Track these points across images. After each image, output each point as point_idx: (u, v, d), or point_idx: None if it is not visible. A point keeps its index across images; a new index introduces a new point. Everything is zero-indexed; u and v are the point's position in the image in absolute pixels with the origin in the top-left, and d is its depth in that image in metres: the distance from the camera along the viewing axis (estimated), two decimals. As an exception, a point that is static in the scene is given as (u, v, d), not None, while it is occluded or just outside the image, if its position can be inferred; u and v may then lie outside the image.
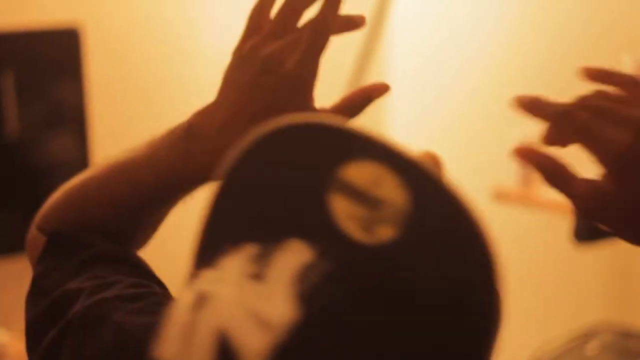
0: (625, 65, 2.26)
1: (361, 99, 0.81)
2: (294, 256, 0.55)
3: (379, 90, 0.80)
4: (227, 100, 0.83)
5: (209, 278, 0.55)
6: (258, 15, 0.81)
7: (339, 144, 0.59)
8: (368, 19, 0.83)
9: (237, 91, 0.82)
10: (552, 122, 0.76)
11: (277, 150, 0.60)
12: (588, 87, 0.73)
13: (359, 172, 0.57)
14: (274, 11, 0.83)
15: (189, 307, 0.54)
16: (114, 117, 2.29)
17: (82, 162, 2.25)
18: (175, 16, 2.33)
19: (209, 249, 0.59)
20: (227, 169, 0.60)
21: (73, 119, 2.26)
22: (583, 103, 0.74)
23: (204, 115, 0.84)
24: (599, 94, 0.76)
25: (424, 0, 2.55)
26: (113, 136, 2.27)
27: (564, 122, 0.76)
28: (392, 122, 2.55)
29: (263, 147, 0.60)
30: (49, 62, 2.24)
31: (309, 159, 0.59)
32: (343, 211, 0.56)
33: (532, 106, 0.80)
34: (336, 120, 0.61)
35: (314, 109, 0.82)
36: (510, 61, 2.46)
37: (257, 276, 0.54)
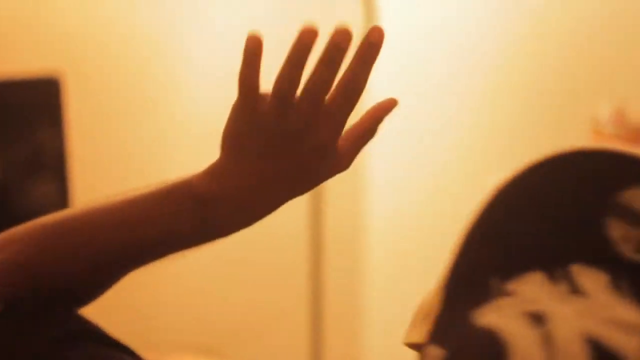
0: (603, 110, 2.26)
1: (372, 122, 0.78)
2: (592, 274, 0.58)
3: (387, 108, 0.77)
4: (244, 164, 0.77)
5: (511, 303, 0.57)
6: (254, 73, 0.76)
7: (620, 168, 0.62)
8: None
9: (259, 157, 0.77)
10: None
11: (552, 177, 0.63)
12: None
13: (637, 196, 0.60)
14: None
15: (524, 325, 0.56)
16: (94, 163, 2.30)
17: (62, 208, 2.26)
18: (153, 64, 2.34)
19: (468, 283, 0.61)
20: (489, 201, 0.62)
21: (53, 166, 2.28)
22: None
23: (213, 180, 0.80)
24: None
25: (399, 66, 2.55)
26: (93, 183, 2.28)
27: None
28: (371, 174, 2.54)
29: (536, 175, 0.62)
30: (30, 110, 2.26)
31: (589, 184, 0.62)
32: (619, 234, 0.59)
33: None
34: (613, 146, 0.63)
35: (341, 158, 0.81)
36: (488, 111, 2.44)
37: (574, 292, 0.57)
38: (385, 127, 2.57)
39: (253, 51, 0.72)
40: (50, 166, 2.35)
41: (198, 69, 2.40)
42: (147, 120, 2.35)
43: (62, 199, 2.35)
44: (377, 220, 2.57)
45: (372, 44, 0.74)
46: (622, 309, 0.56)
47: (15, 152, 2.28)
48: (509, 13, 2.41)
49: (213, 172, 0.80)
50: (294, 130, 0.75)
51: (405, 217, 2.55)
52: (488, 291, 0.58)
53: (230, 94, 2.46)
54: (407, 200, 2.55)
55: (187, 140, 2.41)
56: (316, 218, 2.42)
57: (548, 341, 0.55)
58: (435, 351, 0.58)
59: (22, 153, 2.30)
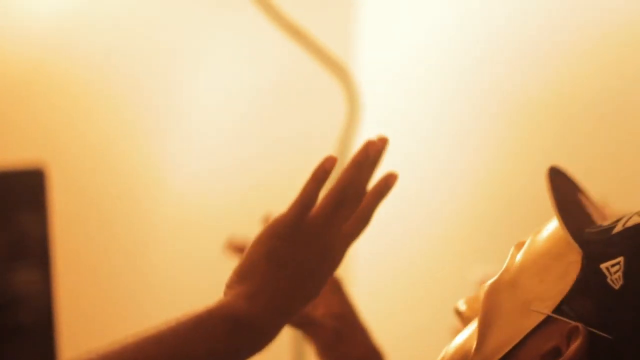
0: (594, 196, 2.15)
1: (375, 198, 0.87)
2: None
3: (385, 189, 0.85)
4: (279, 282, 0.83)
5: None
6: (318, 191, 0.85)
7: None
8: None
9: (294, 268, 0.84)
10: None
11: None
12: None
13: None
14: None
15: None
16: (78, 253, 2.35)
17: (46, 297, 2.31)
18: (137, 156, 2.38)
19: None
20: None
21: (38, 255, 2.33)
22: None
23: (251, 303, 0.86)
24: None
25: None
26: (77, 273, 2.33)
27: None
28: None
29: None
30: (15, 201, 2.33)
31: None
32: None
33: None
34: None
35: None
36: (472, 200, 2.37)
37: None
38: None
39: (326, 171, 0.81)
40: (34, 256, 2.41)
41: (183, 161, 2.42)
42: (131, 209, 2.38)
43: (46, 289, 2.40)
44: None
45: (388, 186, 0.84)
46: None
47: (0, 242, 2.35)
48: (493, 101, 2.34)
49: (248, 294, 0.86)
50: (324, 243, 0.82)
51: (388, 308, 2.49)
52: None
53: (212, 191, 2.47)
54: (390, 290, 2.49)
55: (173, 230, 2.42)
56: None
57: None
58: None
59: (6, 243, 2.38)
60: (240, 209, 2.48)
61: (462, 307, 1.01)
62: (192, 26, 2.42)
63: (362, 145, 0.90)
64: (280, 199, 2.46)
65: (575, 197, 1.01)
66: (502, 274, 0.94)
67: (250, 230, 2.44)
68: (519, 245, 1.00)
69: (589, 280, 0.91)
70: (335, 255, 0.89)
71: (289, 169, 2.51)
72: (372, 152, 0.89)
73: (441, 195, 2.40)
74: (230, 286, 0.86)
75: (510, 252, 0.98)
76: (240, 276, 0.88)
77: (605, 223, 0.98)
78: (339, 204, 0.90)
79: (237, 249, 1.17)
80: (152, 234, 2.37)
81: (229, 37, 2.45)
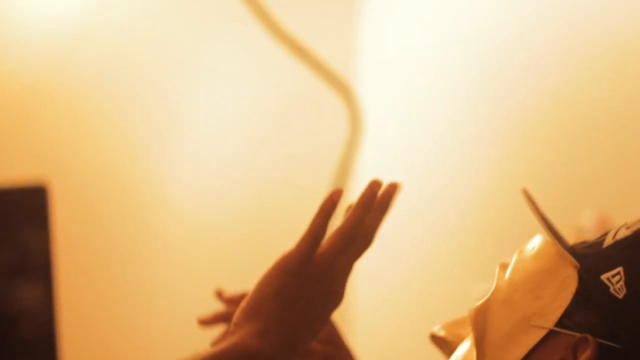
0: (587, 219, 2.16)
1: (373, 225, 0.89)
2: None
3: (384, 207, 0.86)
4: (289, 316, 0.86)
5: None
6: (326, 225, 0.87)
7: None
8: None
9: (303, 305, 0.85)
10: None
11: None
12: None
13: None
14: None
15: None
16: (80, 270, 2.36)
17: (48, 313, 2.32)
18: (140, 172, 2.39)
19: None
20: None
21: (40, 272, 2.34)
22: None
23: (259, 338, 0.88)
24: None
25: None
26: (79, 290, 2.33)
27: None
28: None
29: None
30: (17, 218, 2.34)
31: None
32: None
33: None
34: None
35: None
36: (473, 218, 2.37)
37: None
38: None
39: (334, 204, 0.83)
40: (37, 272, 2.42)
41: (186, 179, 2.43)
42: (134, 227, 2.38)
43: (48, 305, 2.41)
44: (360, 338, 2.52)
45: (386, 202, 0.85)
46: None
47: (1, 259, 2.36)
48: (492, 121, 2.35)
49: (259, 332, 0.88)
50: (330, 278, 0.83)
51: (389, 326, 2.48)
52: None
53: (215, 206, 2.47)
54: (391, 308, 2.48)
55: (176, 247, 2.43)
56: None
57: None
58: None
59: (8, 260, 2.38)
60: (243, 226, 2.49)
61: (441, 332, 1.01)
62: (195, 44, 2.42)
63: (368, 185, 0.91)
64: (282, 216, 2.48)
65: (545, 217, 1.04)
66: (492, 294, 0.95)
67: (253, 247, 2.46)
68: (504, 266, 1.01)
69: (590, 292, 0.92)
70: (340, 288, 0.92)
71: (292, 185, 2.51)
72: (382, 195, 0.91)
73: (442, 212, 2.40)
74: (239, 324, 0.87)
75: (497, 273, 0.99)
76: (250, 314, 0.90)
77: (590, 239, 1.00)
78: (347, 244, 0.91)
79: (227, 300, 1.17)
80: (155, 251, 2.37)
81: (233, 55, 2.46)
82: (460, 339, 0.97)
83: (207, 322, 1.08)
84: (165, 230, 2.39)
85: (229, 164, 2.46)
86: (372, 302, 2.54)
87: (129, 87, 2.37)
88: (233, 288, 2.45)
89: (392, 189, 0.90)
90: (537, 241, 0.98)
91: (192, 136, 2.42)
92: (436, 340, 1.01)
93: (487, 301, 0.95)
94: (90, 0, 2.30)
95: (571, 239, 2.19)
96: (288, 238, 2.59)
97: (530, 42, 2.27)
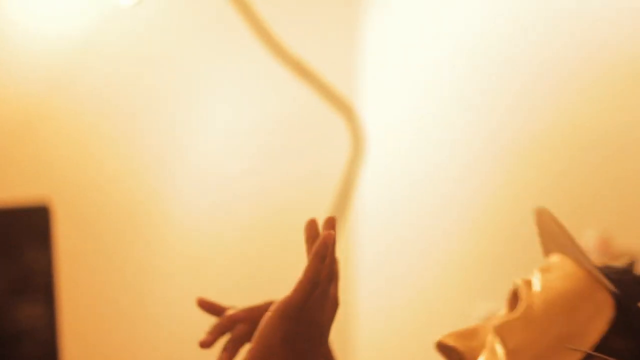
0: (589, 239, 2.16)
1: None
2: None
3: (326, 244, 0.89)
4: (295, 358, 0.91)
5: None
6: (321, 266, 0.89)
7: None
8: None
9: (304, 345, 0.91)
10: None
11: None
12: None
13: None
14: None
15: None
16: (83, 289, 2.36)
17: (50, 331, 2.32)
18: (142, 191, 2.39)
19: None
20: None
21: (43, 291, 2.34)
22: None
23: None
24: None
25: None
26: (81, 309, 2.33)
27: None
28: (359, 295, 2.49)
29: None
30: (20, 238, 2.34)
31: None
32: None
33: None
34: None
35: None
36: (474, 237, 2.37)
37: None
38: (371, 262, 2.52)
39: (327, 247, 0.84)
40: (39, 291, 2.41)
41: (187, 196, 2.43)
42: (137, 245, 2.39)
43: (50, 323, 2.41)
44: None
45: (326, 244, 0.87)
46: None
47: (4, 278, 2.36)
48: (495, 142, 2.35)
49: None
50: (321, 317, 0.94)
51: (390, 345, 2.48)
52: None
53: (217, 225, 2.48)
54: (392, 327, 2.48)
55: (178, 265, 2.43)
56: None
57: None
58: None
59: (11, 278, 2.38)
60: (245, 243, 2.49)
61: (451, 341, 1.01)
62: (198, 64, 2.43)
63: (321, 241, 0.95)
64: (284, 234, 2.48)
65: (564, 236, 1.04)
66: (523, 311, 0.95)
67: (255, 264, 2.46)
68: (528, 283, 1.00)
69: (629, 319, 0.93)
70: (330, 324, 0.95)
71: (294, 204, 2.51)
72: (324, 242, 0.95)
73: (444, 231, 2.40)
74: None
75: (518, 288, 0.99)
76: (262, 359, 0.93)
77: (615, 263, 1.01)
78: (314, 288, 0.94)
79: (210, 308, 1.20)
80: (157, 269, 2.38)
81: (236, 76, 2.47)
82: (471, 350, 0.97)
83: (209, 343, 1.10)
84: (168, 248, 2.39)
85: (232, 183, 2.46)
86: (374, 321, 2.54)
87: (132, 107, 2.38)
88: (235, 304, 2.45)
89: (333, 236, 0.94)
90: (561, 261, 0.98)
91: (195, 155, 2.43)
92: (444, 349, 1.02)
93: (517, 318, 0.95)
94: (91, 20, 2.31)
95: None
96: (290, 256, 2.61)
97: (534, 62, 2.27)
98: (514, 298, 1.02)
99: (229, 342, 1.13)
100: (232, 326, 1.06)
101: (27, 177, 2.31)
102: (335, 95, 2.38)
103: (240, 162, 2.48)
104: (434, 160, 2.44)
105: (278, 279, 2.50)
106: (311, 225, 1.00)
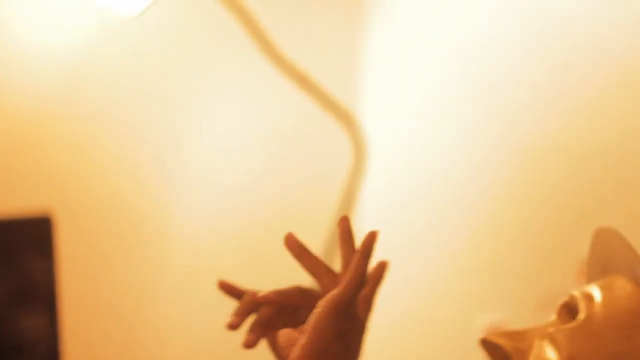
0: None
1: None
2: None
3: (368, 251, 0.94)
4: (346, 355, 0.92)
5: None
6: (368, 264, 0.96)
7: None
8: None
9: (353, 342, 0.94)
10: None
11: None
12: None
13: None
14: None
15: None
16: (85, 299, 2.36)
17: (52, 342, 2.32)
18: (144, 201, 2.40)
19: None
20: None
21: (45, 302, 2.34)
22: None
23: None
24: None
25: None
26: (84, 321, 2.33)
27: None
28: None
29: None
30: (22, 249, 2.34)
31: None
32: None
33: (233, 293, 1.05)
34: None
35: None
36: (474, 249, 2.37)
37: None
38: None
39: (372, 245, 0.87)
40: (41, 302, 2.42)
41: (189, 207, 2.43)
42: (139, 257, 2.39)
43: (52, 335, 2.41)
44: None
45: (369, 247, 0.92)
46: None
47: (7, 289, 2.36)
48: (498, 153, 2.35)
49: None
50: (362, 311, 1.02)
51: (393, 356, 2.48)
52: None
53: (219, 236, 2.48)
54: (395, 338, 2.48)
55: (181, 276, 2.43)
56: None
57: None
58: None
59: (14, 289, 2.39)
60: (247, 254, 2.49)
61: (500, 340, 1.02)
62: (198, 74, 2.44)
63: (368, 238, 1.02)
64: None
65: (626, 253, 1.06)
66: (583, 322, 0.98)
67: (258, 275, 2.47)
68: (588, 296, 1.02)
69: None
70: (366, 320, 0.99)
71: (296, 215, 2.52)
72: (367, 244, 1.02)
73: (445, 242, 2.41)
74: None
75: (575, 300, 1.01)
76: (316, 356, 0.95)
77: None
78: (363, 284, 0.99)
79: (230, 290, 1.21)
80: (160, 280, 2.38)
81: (237, 86, 2.47)
82: (518, 351, 0.99)
83: (237, 325, 1.11)
84: (171, 259, 2.39)
85: (234, 194, 2.46)
86: (374, 329, 2.54)
87: (134, 117, 2.38)
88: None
89: (375, 236, 0.99)
90: (624, 282, 1.01)
91: (197, 165, 2.43)
92: (489, 346, 1.03)
93: (575, 327, 0.97)
94: (93, 31, 2.32)
95: (574, 271, 2.20)
96: (292, 267, 2.60)
97: (538, 73, 2.27)
98: (566, 309, 1.04)
99: (255, 324, 1.13)
100: (257, 308, 1.07)
101: (29, 187, 2.31)
102: (336, 105, 2.38)
103: (243, 172, 2.48)
104: (436, 169, 2.45)
105: (281, 285, 2.49)
106: (345, 222, 1.02)
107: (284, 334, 1.01)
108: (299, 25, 2.52)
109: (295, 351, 0.95)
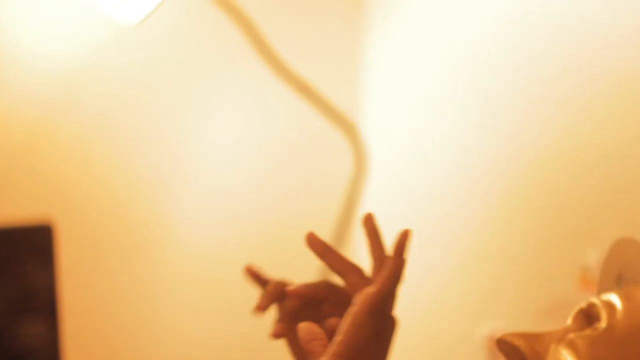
0: (592, 259, 2.15)
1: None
2: None
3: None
4: (382, 351, 0.94)
5: None
6: (404, 262, 0.97)
7: None
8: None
9: (388, 338, 0.94)
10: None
11: None
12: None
13: None
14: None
15: None
16: (85, 308, 2.36)
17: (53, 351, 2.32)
18: (145, 210, 2.40)
19: None
20: None
21: (45, 310, 2.34)
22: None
23: None
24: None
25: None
26: (85, 329, 2.33)
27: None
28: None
29: None
30: (23, 257, 2.34)
31: None
32: None
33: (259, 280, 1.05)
34: None
35: None
36: (474, 258, 2.37)
37: None
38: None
39: (406, 245, 0.90)
40: (42, 311, 2.42)
41: (190, 215, 2.43)
42: (140, 265, 2.39)
43: (53, 344, 2.41)
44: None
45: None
46: None
47: (7, 297, 2.36)
48: (497, 160, 2.35)
49: None
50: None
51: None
52: None
53: (220, 244, 2.48)
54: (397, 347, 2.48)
55: (182, 285, 2.43)
56: None
57: None
58: None
59: (14, 298, 2.39)
60: (247, 262, 2.49)
61: (517, 341, 1.02)
62: (198, 82, 2.44)
63: (402, 237, 1.06)
64: (288, 254, 2.48)
65: None
66: (605, 331, 0.97)
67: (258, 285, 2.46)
68: (609, 305, 1.02)
69: None
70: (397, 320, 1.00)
71: (297, 223, 2.52)
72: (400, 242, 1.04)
73: (446, 250, 2.40)
74: (346, 357, 0.95)
75: (596, 307, 1.01)
76: (355, 352, 0.96)
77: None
78: (398, 282, 1.02)
79: (256, 276, 1.22)
80: (161, 289, 2.38)
81: (238, 94, 2.48)
82: (534, 354, 0.98)
83: (265, 307, 1.11)
84: (172, 268, 2.39)
85: (235, 203, 2.46)
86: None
87: (135, 126, 2.38)
88: (241, 325, 2.45)
89: (409, 234, 1.00)
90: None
91: (198, 174, 2.43)
92: (505, 346, 1.03)
93: (598, 335, 0.97)
94: (94, 41, 2.32)
95: (575, 278, 2.20)
96: (293, 275, 2.60)
97: (540, 83, 2.27)
98: (583, 315, 1.04)
99: (283, 314, 1.15)
100: (282, 297, 1.08)
101: (30, 196, 2.31)
102: (337, 113, 2.38)
103: (243, 181, 2.49)
104: (437, 177, 2.45)
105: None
106: (370, 220, 1.05)
107: (304, 327, 1.01)
108: (299, 33, 2.52)
109: (332, 348, 0.95)
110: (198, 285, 2.42)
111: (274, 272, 2.50)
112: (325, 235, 2.44)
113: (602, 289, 1.09)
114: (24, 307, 2.33)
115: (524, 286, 2.26)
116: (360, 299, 0.96)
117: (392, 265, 1.00)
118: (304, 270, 2.43)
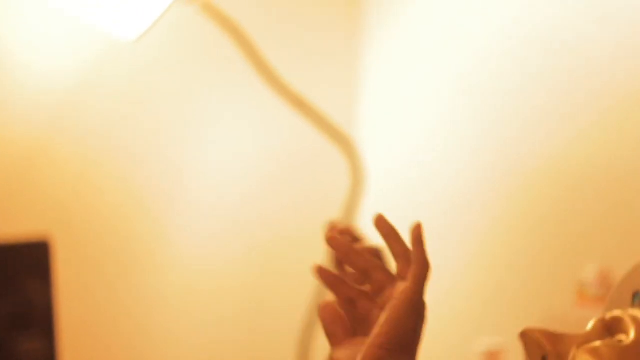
0: (589, 273, 2.16)
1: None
2: None
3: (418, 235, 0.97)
4: (419, 344, 0.95)
5: None
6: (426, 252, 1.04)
7: None
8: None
9: (422, 332, 0.96)
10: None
11: None
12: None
13: None
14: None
15: None
16: (83, 323, 2.36)
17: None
18: (143, 226, 2.40)
19: None
20: None
21: (43, 326, 2.34)
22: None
23: None
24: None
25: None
26: (82, 344, 2.33)
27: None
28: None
29: None
30: (20, 273, 2.35)
31: None
32: None
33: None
34: None
35: None
36: (472, 273, 2.37)
37: None
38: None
39: (422, 234, 0.91)
40: (39, 326, 2.42)
41: (187, 230, 2.43)
42: (137, 279, 2.39)
43: (50, 358, 2.41)
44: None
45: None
46: None
47: (5, 313, 2.36)
48: (495, 174, 2.35)
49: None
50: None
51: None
52: None
53: (218, 258, 2.48)
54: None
55: (180, 298, 2.43)
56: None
57: None
58: None
59: (12, 313, 2.39)
60: (246, 277, 2.49)
61: (541, 337, 1.03)
62: (199, 98, 2.44)
63: (417, 228, 1.05)
64: (285, 267, 2.48)
65: None
66: (630, 345, 0.98)
67: (256, 296, 2.47)
68: (635, 320, 1.03)
69: None
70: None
71: (294, 237, 2.52)
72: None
73: (444, 265, 2.40)
74: (393, 352, 0.95)
75: (620, 320, 1.02)
76: (401, 346, 0.98)
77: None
78: (429, 273, 1.03)
79: (326, 277, 1.16)
80: (158, 304, 2.38)
81: (236, 110, 2.48)
82: (556, 353, 0.99)
83: (325, 275, 1.06)
84: (169, 282, 2.39)
85: (232, 217, 2.47)
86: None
87: (132, 141, 2.38)
88: (237, 337, 2.45)
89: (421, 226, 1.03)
90: None
91: (195, 189, 2.43)
92: (528, 340, 1.03)
93: (627, 347, 0.98)
94: (91, 58, 2.33)
95: (572, 293, 2.20)
96: (290, 288, 2.60)
97: (535, 98, 2.28)
98: (603, 325, 1.04)
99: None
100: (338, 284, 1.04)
101: (27, 212, 2.31)
102: (335, 130, 2.39)
103: (241, 195, 2.49)
104: (433, 190, 2.45)
105: (279, 307, 2.50)
106: (382, 220, 1.06)
107: (326, 307, 1.02)
108: (296, 49, 2.53)
109: (376, 339, 0.98)
110: (195, 300, 2.42)
111: (270, 283, 2.51)
112: (323, 249, 2.44)
113: (615, 304, 1.09)
114: (22, 323, 2.33)
115: (521, 302, 2.26)
116: (399, 294, 0.99)
117: (418, 258, 1.02)
118: (300, 283, 2.44)
